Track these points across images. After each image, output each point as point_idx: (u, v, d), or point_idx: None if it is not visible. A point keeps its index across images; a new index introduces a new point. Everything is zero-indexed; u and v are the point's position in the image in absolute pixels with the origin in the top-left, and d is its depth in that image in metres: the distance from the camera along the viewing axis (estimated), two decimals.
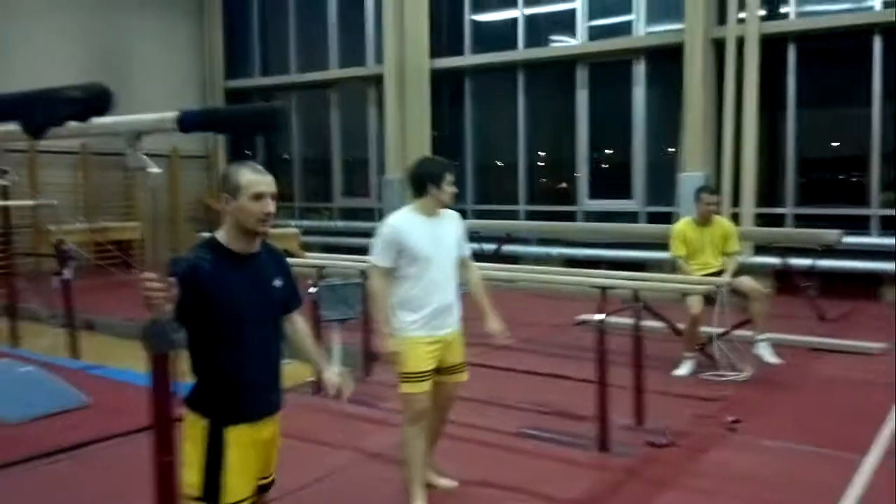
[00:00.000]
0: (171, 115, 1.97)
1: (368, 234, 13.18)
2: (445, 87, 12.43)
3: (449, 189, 3.42)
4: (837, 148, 10.29)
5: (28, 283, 8.29)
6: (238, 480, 2.27)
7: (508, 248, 10.44)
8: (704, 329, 5.75)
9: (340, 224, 13.30)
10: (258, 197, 2.28)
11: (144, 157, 1.99)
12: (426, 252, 3.34)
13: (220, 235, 2.33)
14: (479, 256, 9.04)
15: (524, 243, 11.17)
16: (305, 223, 13.14)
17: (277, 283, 2.40)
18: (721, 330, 5.49)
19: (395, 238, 3.32)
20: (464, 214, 11.87)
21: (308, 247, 11.16)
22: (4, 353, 6.41)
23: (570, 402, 4.92)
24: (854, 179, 9.84)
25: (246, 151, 15.02)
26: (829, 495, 3.54)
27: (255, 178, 2.30)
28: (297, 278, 2.55)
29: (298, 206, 14.02)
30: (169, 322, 2.05)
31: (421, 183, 3.40)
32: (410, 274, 3.33)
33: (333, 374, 2.55)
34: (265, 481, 2.43)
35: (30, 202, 9.47)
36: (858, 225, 9.18)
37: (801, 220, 9.57)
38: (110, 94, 1.67)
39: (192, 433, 2.25)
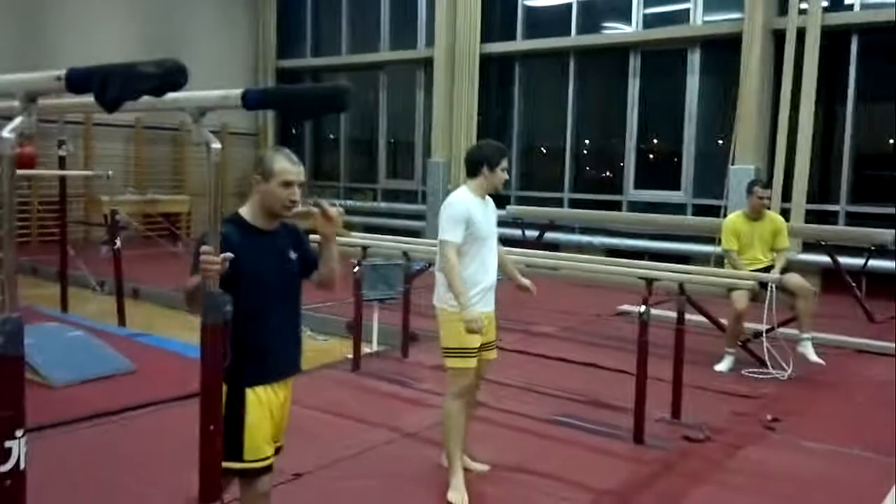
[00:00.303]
0: (236, 92, 2.00)
1: (411, 216, 13.32)
2: (495, 71, 12.38)
3: (502, 174, 3.52)
4: (894, 144, 9.98)
5: (78, 251, 8.53)
6: (258, 439, 2.42)
7: (550, 235, 10.39)
8: (747, 325, 5.67)
9: (383, 205, 13.38)
10: (287, 185, 2.45)
11: (208, 132, 2.03)
12: (484, 231, 3.46)
13: (245, 212, 2.51)
14: (520, 243, 9.14)
15: (567, 231, 11.10)
16: (349, 203, 13.25)
17: (293, 255, 2.56)
18: (767, 326, 5.40)
19: (465, 215, 3.40)
20: (507, 200, 11.97)
21: (351, 226, 11.25)
22: (55, 317, 6.62)
23: (607, 392, 4.90)
24: None
25: (293, 131, 15.19)
26: (868, 499, 3.47)
27: (287, 167, 2.46)
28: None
29: (343, 186, 14.13)
30: (222, 293, 2.10)
31: (477, 164, 3.51)
32: (468, 252, 3.42)
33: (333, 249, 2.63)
34: (276, 444, 2.57)
35: (85, 172, 9.72)
36: None
37: (853, 218, 9.33)
38: (185, 70, 1.70)
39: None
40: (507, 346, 5.71)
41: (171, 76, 1.70)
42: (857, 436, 4.33)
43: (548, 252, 7.55)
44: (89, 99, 1.77)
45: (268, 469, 2.48)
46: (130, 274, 7.57)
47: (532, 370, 5.48)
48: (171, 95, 1.85)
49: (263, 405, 2.45)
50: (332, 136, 14.65)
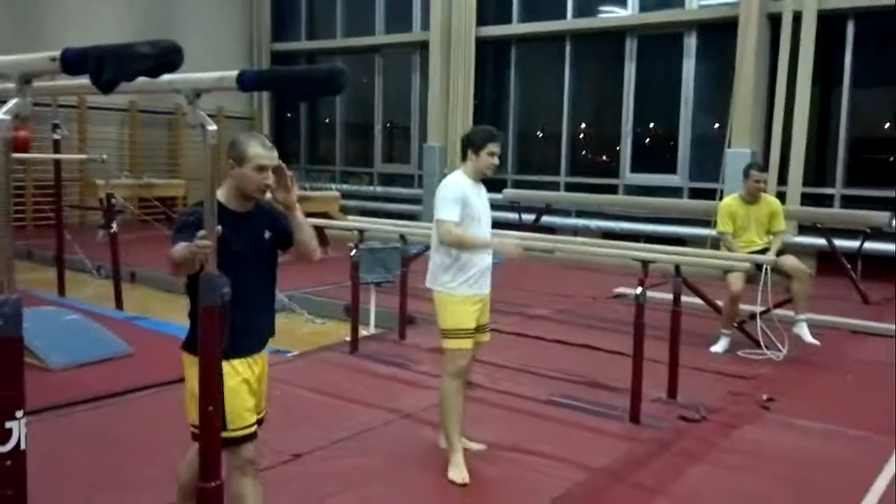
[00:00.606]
0: (232, 73, 1.99)
1: (408, 200, 13.31)
2: (491, 55, 12.33)
3: (488, 158, 3.50)
4: (890, 128, 10.00)
5: (75, 236, 8.52)
6: (239, 407, 2.48)
7: (547, 219, 10.40)
8: (743, 307, 5.69)
9: (379, 189, 13.37)
10: (261, 169, 2.51)
11: (204, 114, 2.02)
12: (478, 212, 3.49)
13: (220, 194, 2.51)
14: (517, 226, 9.15)
15: (563, 215, 11.11)
16: (345, 187, 13.23)
17: (267, 234, 2.62)
18: (762, 308, 5.43)
19: (461, 195, 3.43)
20: (504, 184, 11.98)
21: (347, 210, 11.24)
22: (52, 301, 6.62)
23: (604, 374, 4.93)
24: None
25: (288, 114, 15.13)
26: (861, 477, 3.51)
27: (260, 152, 2.52)
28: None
29: (339, 170, 14.11)
30: (219, 276, 2.10)
31: (464, 148, 3.54)
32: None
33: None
34: (259, 416, 2.63)
35: (80, 156, 9.68)
36: None
37: (849, 202, 9.35)
38: (180, 50, 1.69)
39: (191, 373, 2.38)
40: (503, 328, 5.74)
41: (167, 56, 1.70)
42: (851, 415, 4.37)
43: (544, 235, 7.57)
44: (85, 80, 1.76)
45: (252, 436, 2.53)
46: (127, 258, 7.56)
47: (529, 352, 5.50)
48: (166, 77, 1.84)
49: (241, 375, 2.51)
50: (327, 121, 14.60)
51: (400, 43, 13.12)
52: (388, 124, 13.82)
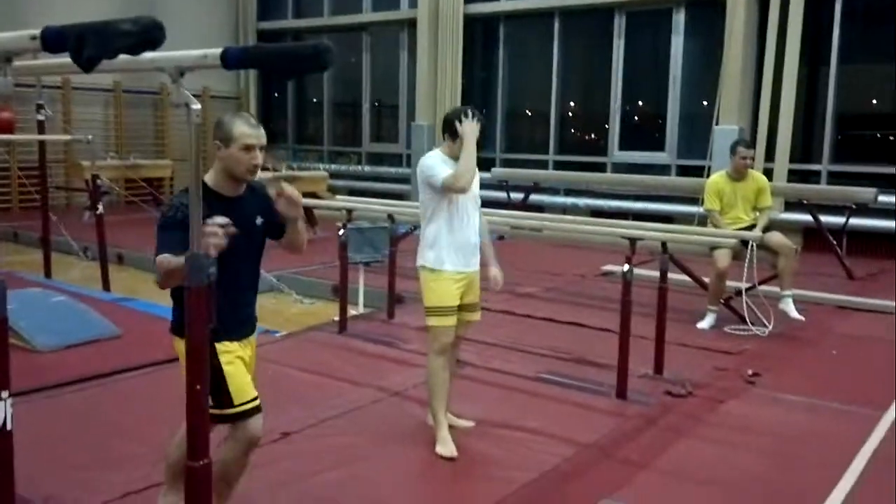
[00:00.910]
0: (215, 51, 1.96)
1: (396, 179, 13.24)
2: (479, 32, 12.26)
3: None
4: (876, 105, 10.04)
5: (60, 217, 8.46)
6: (241, 382, 2.48)
7: (535, 197, 10.41)
8: (730, 283, 5.73)
9: (367, 169, 13.32)
10: (248, 148, 2.45)
11: (187, 93, 2.00)
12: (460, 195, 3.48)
13: (209, 178, 2.50)
14: (505, 205, 9.15)
15: (552, 193, 11.12)
16: (333, 167, 13.18)
17: (259, 220, 2.57)
18: (748, 284, 5.47)
19: (441, 163, 3.43)
20: (492, 163, 11.95)
21: (335, 190, 11.20)
22: (38, 283, 6.59)
23: (591, 351, 4.96)
24: (891, 137, 9.62)
25: (275, 94, 15.02)
26: (845, 450, 3.56)
27: (247, 131, 2.46)
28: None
29: (327, 150, 14.04)
30: (205, 256, 2.09)
31: (444, 129, 3.53)
32: (442, 210, 3.46)
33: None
34: None
35: (64, 137, 9.59)
36: (893, 184, 9.00)
37: (835, 178, 9.40)
38: (162, 27, 1.67)
39: (182, 355, 2.35)
40: (492, 306, 5.75)
41: (148, 33, 1.68)
42: (836, 389, 4.42)
43: (533, 213, 7.59)
44: (66, 59, 1.74)
45: (259, 408, 2.51)
46: (114, 239, 7.53)
47: (517, 330, 5.53)
48: (149, 55, 1.82)
49: (235, 353, 2.51)
50: (315, 100, 14.51)
51: (387, 21, 13.02)
52: (377, 103, 13.75)
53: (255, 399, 2.51)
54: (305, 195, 8.05)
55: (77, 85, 11.92)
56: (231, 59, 2.00)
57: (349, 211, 6.10)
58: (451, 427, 3.58)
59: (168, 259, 2.26)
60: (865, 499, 3.13)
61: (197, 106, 2.01)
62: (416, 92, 12.30)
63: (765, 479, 3.29)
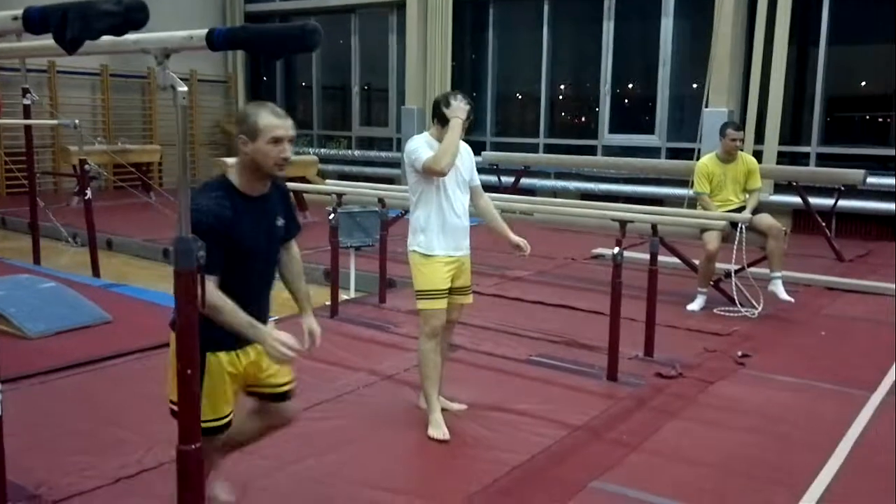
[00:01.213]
0: (201, 32, 1.93)
1: (386, 163, 13.20)
2: (469, 15, 12.19)
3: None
4: (865, 87, 10.06)
5: (49, 203, 8.40)
6: (215, 401, 2.38)
7: (526, 181, 10.40)
8: (720, 265, 5.76)
9: (357, 153, 13.27)
10: (277, 141, 2.30)
11: (173, 75, 1.97)
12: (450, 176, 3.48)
13: (233, 176, 2.35)
14: (496, 188, 9.14)
15: (543, 177, 11.12)
16: (323, 151, 13.12)
17: (280, 221, 2.47)
18: (737, 266, 5.49)
19: (428, 147, 3.43)
20: (483, 146, 11.92)
21: (325, 175, 11.17)
22: (27, 269, 6.55)
23: (582, 333, 4.99)
24: (880, 119, 9.66)
25: (264, 78, 14.91)
26: (834, 430, 3.59)
27: (275, 122, 2.30)
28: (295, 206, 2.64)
29: (317, 134, 13.97)
30: (194, 239, 2.07)
31: (432, 114, 3.54)
32: (430, 193, 3.47)
33: (312, 322, 2.66)
34: (284, 384, 2.61)
35: (51, 121, 9.51)
36: (882, 165, 9.05)
37: (825, 160, 9.43)
38: (146, 8, 1.65)
39: (173, 350, 2.28)
40: (483, 290, 5.76)
41: (133, 13, 1.66)
42: (824, 369, 4.46)
43: (523, 197, 7.57)
44: (50, 41, 1.72)
45: (225, 427, 2.45)
46: (102, 225, 7.48)
47: (509, 313, 5.54)
48: (134, 37, 1.80)
49: (223, 369, 2.40)
50: (304, 84, 14.42)
51: (376, 3, 12.92)
52: (366, 87, 13.68)
53: (224, 417, 2.42)
54: (295, 180, 8.05)
55: (63, 69, 11.79)
56: (217, 40, 1.98)
57: (339, 195, 6.08)
58: (443, 410, 3.59)
59: (220, 299, 2.21)
60: (852, 479, 3.16)
61: (183, 88, 1.99)
62: (405, 75, 12.23)
63: (753, 459, 3.32)
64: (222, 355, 2.39)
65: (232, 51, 11.81)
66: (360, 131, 13.51)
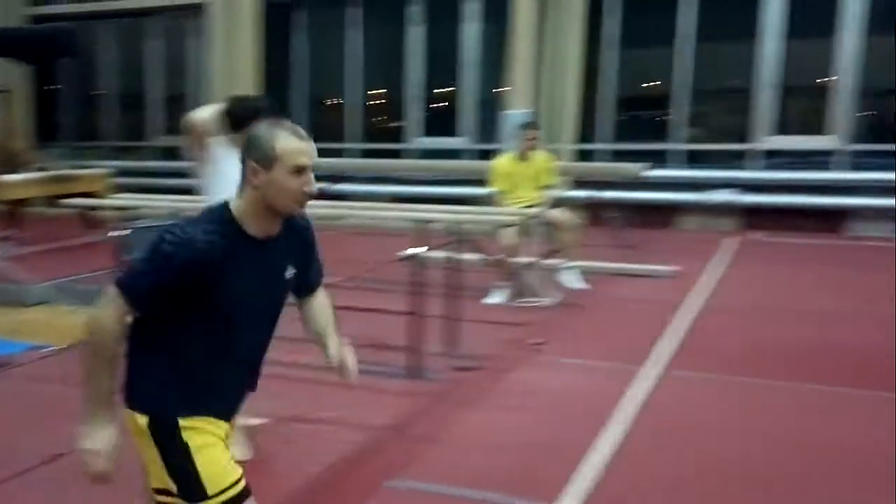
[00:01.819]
0: None
1: (190, 175, 12.33)
2: (277, 20, 11.97)
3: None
4: (650, 87, 10.97)
5: None
6: (216, 464, 1.85)
7: (337, 187, 10.36)
8: (519, 259, 6.03)
9: (155, 164, 12.56)
10: (300, 171, 1.78)
11: None
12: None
13: (238, 211, 1.81)
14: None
15: (355, 182, 11.13)
16: (119, 164, 12.31)
17: (289, 273, 1.96)
18: (530, 259, 5.77)
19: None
20: None
21: (125, 189, 10.49)
22: None
23: (388, 335, 5.00)
24: (659, 118, 10.59)
25: (51, 86, 13.78)
26: (611, 402, 3.90)
27: (296, 145, 1.78)
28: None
29: (112, 146, 13.10)
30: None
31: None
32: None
33: (342, 350, 2.22)
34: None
35: None
36: (664, 159, 9.93)
37: (617, 156, 10.20)
38: None
39: (137, 432, 1.86)
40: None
41: None
42: (604, 350, 4.82)
43: (334, 202, 7.52)
44: None
45: (245, 493, 1.87)
46: None
47: None
48: None
49: (208, 428, 1.87)
50: (96, 93, 13.48)
51: (173, 6, 12.35)
52: (166, 95, 13.02)
53: (237, 482, 1.85)
54: (82, 195, 7.48)
55: None
56: None
57: (123, 209, 5.73)
58: (243, 427, 3.47)
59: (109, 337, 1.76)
60: (633, 445, 3.43)
61: None
62: (211, 82, 11.78)
63: (544, 438, 3.52)
64: (197, 419, 1.86)
65: (7, 59, 10.83)
66: (163, 141, 12.84)
